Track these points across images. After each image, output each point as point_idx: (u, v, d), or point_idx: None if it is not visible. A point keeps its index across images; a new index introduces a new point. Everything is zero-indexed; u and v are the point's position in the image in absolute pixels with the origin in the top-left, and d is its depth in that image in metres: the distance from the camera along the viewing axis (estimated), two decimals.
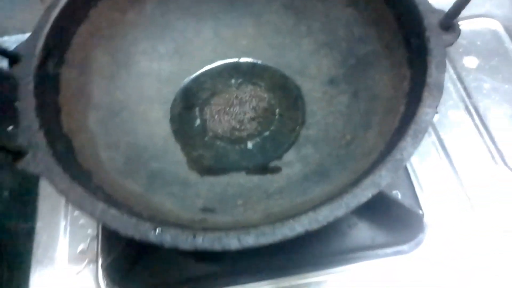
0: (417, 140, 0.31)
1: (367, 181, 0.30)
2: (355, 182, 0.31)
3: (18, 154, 0.33)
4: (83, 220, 0.44)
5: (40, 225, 0.45)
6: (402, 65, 0.38)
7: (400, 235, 0.41)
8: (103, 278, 0.41)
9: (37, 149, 0.33)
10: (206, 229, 0.31)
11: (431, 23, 0.35)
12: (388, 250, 0.40)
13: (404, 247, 0.41)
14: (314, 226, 0.29)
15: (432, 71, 0.33)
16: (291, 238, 0.29)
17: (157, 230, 0.30)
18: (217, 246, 0.29)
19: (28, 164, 0.33)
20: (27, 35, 0.38)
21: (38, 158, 0.33)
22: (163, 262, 0.41)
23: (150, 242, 0.30)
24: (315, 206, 0.30)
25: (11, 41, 0.61)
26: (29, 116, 0.35)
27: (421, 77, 0.34)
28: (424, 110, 0.32)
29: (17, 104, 0.36)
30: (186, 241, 0.29)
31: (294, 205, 0.35)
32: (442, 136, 0.47)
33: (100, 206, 0.31)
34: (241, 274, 0.40)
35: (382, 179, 0.30)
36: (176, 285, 0.41)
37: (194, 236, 0.29)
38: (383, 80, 0.40)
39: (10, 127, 0.53)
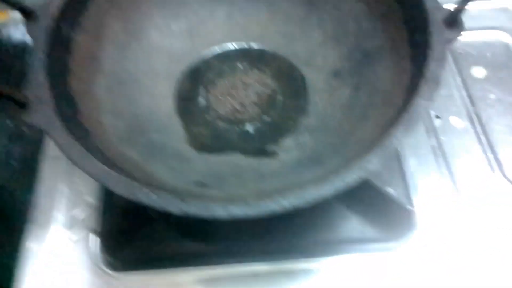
0: (408, 128, 0.32)
1: (355, 165, 0.31)
2: (344, 165, 0.32)
3: (23, 105, 0.34)
4: (83, 186, 0.45)
5: (39, 189, 0.45)
6: (404, 59, 0.38)
7: (390, 231, 0.41)
8: (96, 247, 0.41)
9: (41, 102, 0.34)
10: (195, 196, 0.31)
11: (435, 19, 0.36)
12: (377, 245, 0.41)
13: (393, 244, 0.41)
14: (301, 203, 0.30)
15: (431, 64, 0.34)
16: (277, 212, 0.30)
17: (146, 190, 0.31)
18: (204, 213, 0.30)
19: (31, 116, 0.34)
20: None
21: (41, 111, 0.34)
22: (156, 236, 0.42)
23: (138, 201, 0.30)
24: (303, 184, 0.31)
25: None
26: (38, 71, 0.36)
27: (420, 71, 0.34)
28: (418, 101, 0.32)
29: (28, 59, 0.37)
30: (173, 203, 0.30)
31: (285, 186, 0.36)
32: (442, 140, 0.47)
33: (98, 164, 0.32)
34: (230, 255, 0.41)
35: (369, 164, 0.31)
36: (165, 259, 0.41)
37: (182, 200, 0.30)
38: (385, 75, 0.40)
39: None
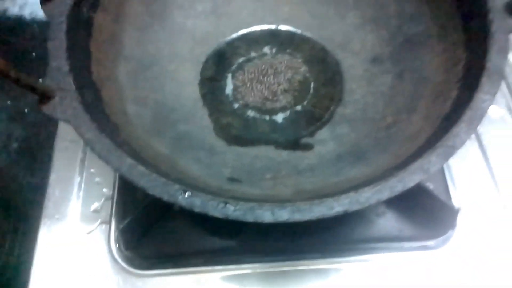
0: (472, 127, 0.29)
1: (415, 166, 0.28)
2: (400, 166, 0.29)
3: (45, 96, 0.31)
4: (99, 178, 0.42)
5: (53, 178, 0.42)
6: (457, 48, 0.35)
7: (428, 229, 0.39)
8: (115, 241, 0.39)
9: (65, 93, 0.31)
10: (237, 198, 0.29)
11: (495, 5, 0.33)
12: (414, 244, 0.38)
13: (431, 242, 0.39)
14: (355, 207, 0.27)
15: (493, 55, 0.31)
16: (328, 217, 0.27)
17: (186, 193, 0.28)
18: (249, 217, 0.28)
19: (54, 108, 0.31)
20: None
21: (66, 103, 0.31)
22: (178, 232, 0.39)
23: (178, 204, 0.28)
24: (356, 186, 0.28)
25: None
26: (60, 57, 0.33)
27: (479, 61, 0.32)
28: (481, 96, 0.30)
29: (48, 44, 0.33)
30: (216, 207, 0.28)
31: (328, 184, 0.33)
32: (480, 131, 0.44)
33: (128, 161, 0.29)
34: (258, 252, 0.39)
35: (431, 165, 0.28)
36: (188, 256, 0.39)
37: (226, 204, 0.28)
38: (433, 63, 0.37)
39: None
